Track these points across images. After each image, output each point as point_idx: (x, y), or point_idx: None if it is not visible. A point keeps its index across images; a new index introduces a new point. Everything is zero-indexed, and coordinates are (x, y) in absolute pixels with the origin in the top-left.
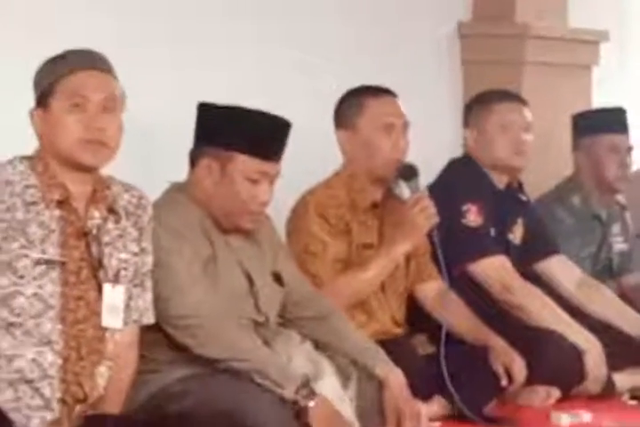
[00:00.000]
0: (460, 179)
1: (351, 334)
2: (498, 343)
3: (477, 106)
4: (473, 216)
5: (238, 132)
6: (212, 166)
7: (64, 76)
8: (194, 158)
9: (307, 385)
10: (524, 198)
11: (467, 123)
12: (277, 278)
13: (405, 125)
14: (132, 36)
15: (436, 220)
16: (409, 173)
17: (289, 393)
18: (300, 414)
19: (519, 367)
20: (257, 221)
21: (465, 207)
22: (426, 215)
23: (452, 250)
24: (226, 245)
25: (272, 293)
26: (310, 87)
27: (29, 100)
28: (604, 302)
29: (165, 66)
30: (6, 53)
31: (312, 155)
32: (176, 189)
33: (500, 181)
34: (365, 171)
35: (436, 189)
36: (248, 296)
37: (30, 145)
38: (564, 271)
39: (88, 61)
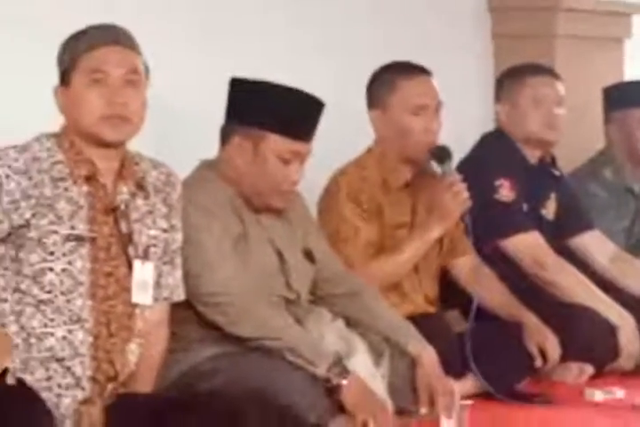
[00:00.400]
0: (493, 154)
1: (383, 311)
2: (531, 321)
3: (509, 80)
4: (505, 191)
5: (271, 111)
6: (243, 145)
7: (84, 52)
8: (225, 136)
9: (339, 363)
10: (556, 173)
11: (498, 97)
12: (308, 255)
13: (438, 106)
14: (156, 9)
15: (468, 204)
16: (442, 154)
17: (321, 371)
18: (332, 391)
19: (553, 346)
20: (288, 200)
21: (497, 182)
22: (458, 200)
23: (485, 226)
24: (257, 222)
25: (303, 270)
26: (342, 62)
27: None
28: (638, 277)
29: (193, 40)
30: (30, 28)
31: (345, 132)
32: (206, 166)
33: (533, 155)
34: (396, 151)
35: (468, 165)
36: (279, 274)
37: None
38: (598, 246)
39: (109, 36)
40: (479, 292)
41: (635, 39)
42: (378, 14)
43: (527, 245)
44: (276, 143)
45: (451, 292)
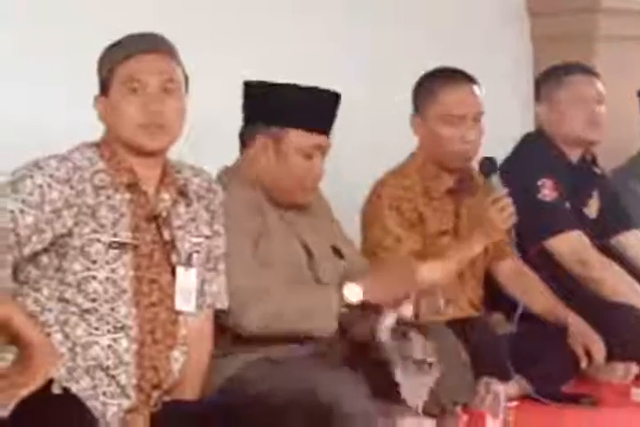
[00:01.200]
0: (533, 154)
1: None
2: (577, 323)
3: (548, 79)
4: (548, 191)
5: (290, 108)
6: (267, 144)
7: (120, 61)
8: (245, 138)
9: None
10: (598, 172)
11: (538, 97)
12: (337, 252)
13: (477, 116)
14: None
15: (514, 220)
16: (488, 168)
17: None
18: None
19: (599, 347)
20: (312, 195)
21: (540, 182)
22: (504, 217)
23: (529, 226)
24: (281, 219)
25: (332, 265)
26: (372, 66)
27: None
28: None
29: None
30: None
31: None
32: (225, 173)
33: (574, 154)
34: (436, 159)
35: (509, 166)
36: (307, 268)
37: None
38: (639, 245)
39: (145, 44)
40: (521, 295)
41: None
42: (415, 21)
43: (571, 244)
44: (297, 138)
45: (495, 295)
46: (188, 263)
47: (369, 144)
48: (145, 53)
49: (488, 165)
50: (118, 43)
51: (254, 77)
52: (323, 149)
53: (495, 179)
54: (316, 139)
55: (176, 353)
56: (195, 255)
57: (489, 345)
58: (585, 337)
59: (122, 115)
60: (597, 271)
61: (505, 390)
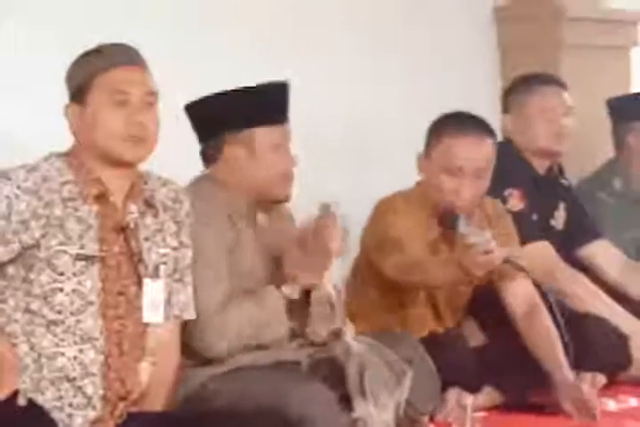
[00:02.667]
0: (500, 164)
1: None
2: (564, 378)
3: (516, 89)
4: (515, 201)
5: (251, 109)
6: (237, 151)
7: (102, 71)
8: (211, 153)
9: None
10: (565, 183)
11: (505, 108)
12: None
13: (479, 172)
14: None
15: (491, 265)
16: (448, 220)
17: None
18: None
19: (593, 401)
20: (291, 187)
21: (506, 192)
22: (477, 261)
23: None
24: (251, 228)
25: None
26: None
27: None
28: None
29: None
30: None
31: None
32: (203, 179)
33: (541, 166)
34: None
35: None
36: (271, 280)
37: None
38: (607, 256)
39: (126, 56)
40: (529, 333)
41: None
42: (381, 29)
43: (537, 256)
44: (267, 134)
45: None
46: (155, 275)
47: None
48: (127, 65)
49: (448, 217)
50: (95, 52)
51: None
52: (288, 137)
53: (462, 225)
54: (280, 129)
55: (143, 364)
56: (162, 267)
57: (458, 356)
58: (575, 392)
59: (102, 125)
60: (564, 282)
61: (473, 400)
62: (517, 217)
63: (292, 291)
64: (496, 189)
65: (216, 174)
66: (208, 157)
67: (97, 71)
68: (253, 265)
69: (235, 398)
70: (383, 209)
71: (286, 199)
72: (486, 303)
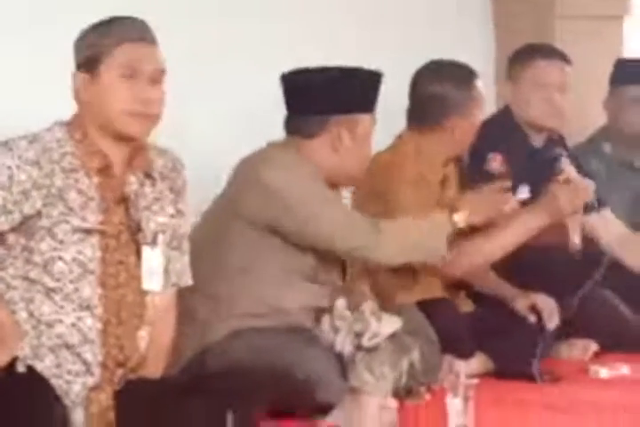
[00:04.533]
0: (494, 128)
1: None
2: (510, 290)
3: (517, 59)
4: (496, 165)
5: (360, 94)
6: (342, 133)
7: (115, 45)
8: (314, 128)
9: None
10: (562, 154)
11: (509, 75)
12: None
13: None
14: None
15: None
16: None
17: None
18: None
19: (543, 300)
20: None
21: (490, 155)
22: (572, 199)
23: None
24: None
25: None
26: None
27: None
28: None
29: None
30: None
31: None
32: (290, 150)
33: (537, 138)
34: (438, 148)
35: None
36: None
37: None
38: (605, 227)
39: (138, 31)
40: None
41: (634, 17)
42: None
43: None
44: (368, 122)
45: None
46: (153, 243)
47: None
48: (139, 41)
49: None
50: (107, 24)
51: None
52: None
53: (564, 162)
54: (374, 118)
55: (142, 332)
56: (160, 235)
57: (449, 323)
58: (526, 298)
59: (111, 99)
60: None
61: (466, 367)
62: (494, 179)
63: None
64: (481, 150)
65: (309, 149)
66: (306, 130)
67: (110, 44)
68: None
69: (238, 360)
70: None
71: (359, 183)
72: None
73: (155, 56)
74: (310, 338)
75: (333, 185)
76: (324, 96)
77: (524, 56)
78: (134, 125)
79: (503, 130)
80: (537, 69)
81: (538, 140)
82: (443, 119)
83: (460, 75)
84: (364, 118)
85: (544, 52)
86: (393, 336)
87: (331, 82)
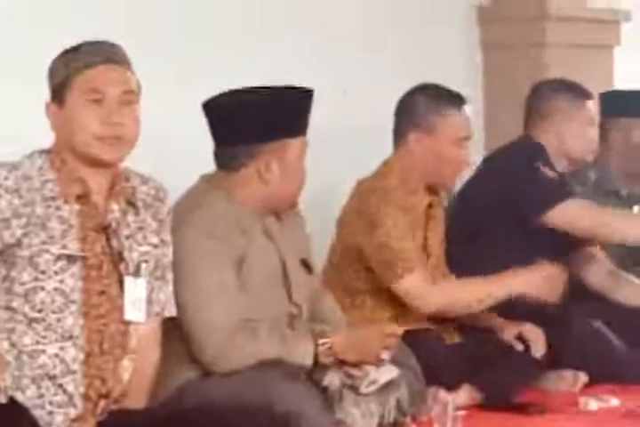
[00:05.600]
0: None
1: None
2: (496, 320)
3: (561, 97)
4: (547, 171)
5: (286, 118)
6: (270, 161)
7: (80, 70)
8: (240, 159)
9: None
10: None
11: (543, 111)
12: (306, 265)
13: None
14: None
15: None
16: None
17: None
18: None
19: (531, 330)
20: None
21: (536, 164)
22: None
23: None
24: (264, 233)
25: (302, 280)
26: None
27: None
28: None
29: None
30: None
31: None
32: (207, 182)
33: (560, 166)
34: (425, 175)
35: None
36: (282, 286)
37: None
38: (593, 264)
39: (104, 54)
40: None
41: (624, 47)
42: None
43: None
44: (297, 146)
45: None
46: (136, 273)
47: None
48: (105, 63)
49: None
50: (75, 50)
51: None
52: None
53: None
54: (304, 140)
55: (125, 362)
56: (143, 265)
57: (437, 354)
58: (515, 327)
59: (80, 125)
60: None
61: (453, 399)
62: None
63: (325, 356)
64: (528, 161)
65: (236, 181)
66: (232, 162)
67: (74, 70)
68: (267, 272)
69: (220, 395)
70: (374, 210)
71: (296, 205)
72: None
73: (123, 78)
74: (289, 373)
75: (273, 210)
76: (247, 123)
77: (576, 95)
78: (105, 150)
79: (535, 151)
80: (588, 111)
81: (561, 168)
82: (407, 133)
83: (439, 94)
84: (293, 143)
85: (587, 92)
86: None
87: (254, 107)
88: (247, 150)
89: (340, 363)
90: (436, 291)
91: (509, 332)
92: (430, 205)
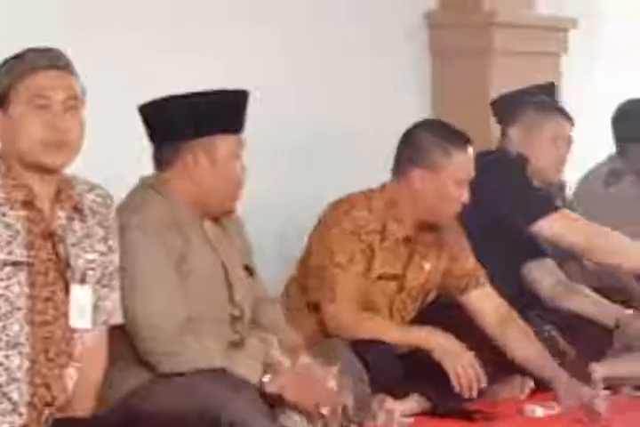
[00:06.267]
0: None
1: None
2: (563, 382)
3: (534, 109)
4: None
5: (214, 115)
6: (198, 158)
7: (23, 76)
8: (167, 156)
9: (269, 369)
10: None
11: (513, 117)
12: (248, 271)
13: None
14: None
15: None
16: None
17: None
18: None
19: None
20: (237, 200)
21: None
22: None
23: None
24: (203, 235)
25: (245, 284)
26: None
27: None
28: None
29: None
30: None
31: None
32: (147, 185)
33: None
34: (418, 209)
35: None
36: (223, 288)
37: None
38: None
39: (48, 60)
40: (510, 345)
41: (571, 54)
42: (315, 29)
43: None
44: (228, 143)
45: None
46: (82, 280)
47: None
48: (48, 69)
49: None
50: (18, 57)
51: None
52: (243, 148)
53: None
54: (239, 139)
55: (70, 370)
56: (89, 272)
57: (384, 363)
58: (574, 393)
59: (25, 132)
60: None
61: (400, 407)
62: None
63: (270, 384)
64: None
65: (167, 181)
66: (163, 158)
67: (17, 77)
68: (208, 272)
69: (167, 403)
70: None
71: (233, 211)
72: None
73: (68, 83)
74: (234, 381)
75: (206, 212)
76: (172, 121)
77: (539, 107)
78: (49, 156)
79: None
80: (557, 126)
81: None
82: (410, 168)
83: (446, 133)
84: (222, 140)
85: (559, 107)
86: None
87: (180, 106)
88: (174, 148)
89: (280, 398)
90: (352, 325)
91: (568, 399)
92: (411, 240)
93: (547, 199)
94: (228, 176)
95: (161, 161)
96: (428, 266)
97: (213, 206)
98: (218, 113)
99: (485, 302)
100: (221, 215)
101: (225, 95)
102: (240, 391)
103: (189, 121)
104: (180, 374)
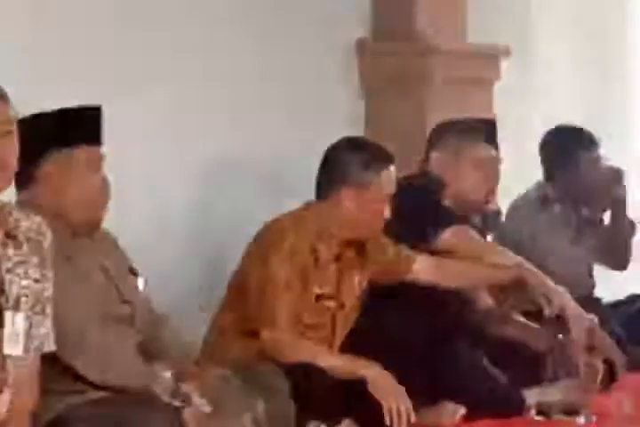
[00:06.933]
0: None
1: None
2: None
3: (461, 136)
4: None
5: (71, 128)
6: (53, 171)
7: None
8: (28, 175)
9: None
10: None
11: (438, 144)
12: (132, 272)
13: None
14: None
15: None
16: None
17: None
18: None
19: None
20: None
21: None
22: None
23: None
24: (78, 246)
25: (130, 281)
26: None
27: None
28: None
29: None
30: None
31: None
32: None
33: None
34: (345, 226)
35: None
36: (111, 288)
37: None
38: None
39: None
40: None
41: (504, 81)
42: (239, 55)
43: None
44: (86, 153)
45: None
46: (16, 307)
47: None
48: None
49: None
50: None
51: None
52: (102, 160)
53: None
54: (99, 149)
55: (3, 397)
56: (23, 299)
57: (321, 388)
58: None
59: None
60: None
61: None
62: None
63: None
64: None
65: (32, 198)
66: (24, 178)
67: None
68: (94, 277)
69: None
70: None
71: (99, 224)
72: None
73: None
74: (148, 400)
75: (77, 228)
76: (30, 138)
77: (473, 135)
78: None
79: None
80: (478, 151)
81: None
82: (337, 188)
83: (372, 153)
84: (81, 150)
85: (487, 134)
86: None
87: (34, 123)
88: (36, 161)
89: None
90: (291, 349)
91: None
92: (339, 258)
93: (447, 215)
94: (89, 187)
95: (23, 178)
96: (357, 278)
97: (77, 219)
98: (74, 126)
99: (428, 270)
100: (89, 230)
101: (79, 110)
102: (154, 411)
103: (44, 134)
104: (105, 399)
